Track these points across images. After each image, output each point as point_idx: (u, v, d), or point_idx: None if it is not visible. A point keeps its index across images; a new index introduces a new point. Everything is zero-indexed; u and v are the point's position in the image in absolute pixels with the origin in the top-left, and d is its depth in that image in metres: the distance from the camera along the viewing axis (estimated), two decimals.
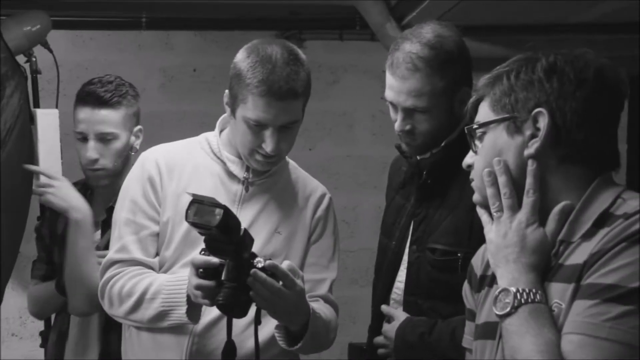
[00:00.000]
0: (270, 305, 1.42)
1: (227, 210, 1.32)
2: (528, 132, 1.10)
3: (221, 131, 1.70)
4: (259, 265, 1.38)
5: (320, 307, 1.62)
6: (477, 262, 1.27)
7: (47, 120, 2.36)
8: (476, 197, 1.19)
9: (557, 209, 1.09)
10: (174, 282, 1.53)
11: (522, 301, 1.04)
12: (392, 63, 1.60)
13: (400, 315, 1.68)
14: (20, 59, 2.54)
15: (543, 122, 1.08)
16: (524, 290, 1.05)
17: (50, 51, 2.77)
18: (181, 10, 3.23)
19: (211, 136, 1.69)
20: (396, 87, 1.60)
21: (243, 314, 1.42)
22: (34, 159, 2.35)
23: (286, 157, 1.70)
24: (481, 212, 1.17)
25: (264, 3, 3.20)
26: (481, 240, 1.23)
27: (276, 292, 1.40)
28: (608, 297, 0.97)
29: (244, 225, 1.43)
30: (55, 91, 2.64)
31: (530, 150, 1.10)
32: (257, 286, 1.37)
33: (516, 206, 1.11)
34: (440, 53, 1.57)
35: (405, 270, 1.72)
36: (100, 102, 1.97)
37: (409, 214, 1.73)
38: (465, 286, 1.29)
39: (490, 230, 1.14)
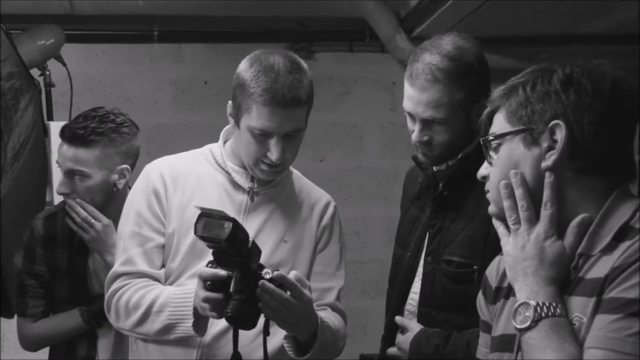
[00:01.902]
0: (278, 316, 1.42)
1: (235, 223, 1.32)
2: (545, 144, 1.09)
3: (225, 142, 1.70)
4: (267, 277, 1.38)
5: (328, 316, 1.62)
6: (491, 273, 1.25)
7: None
8: (492, 209, 1.18)
9: (575, 221, 1.08)
10: (181, 295, 1.52)
11: (543, 315, 1.02)
12: (411, 74, 1.60)
13: (414, 326, 1.68)
14: (35, 72, 2.58)
15: (560, 135, 1.07)
16: (544, 303, 1.03)
17: (64, 64, 2.80)
18: (192, 24, 3.27)
19: (215, 147, 1.69)
20: (415, 97, 1.59)
21: (252, 325, 1.41)
22: (47, 172, 2.38)
23: (290, 166, 1.71)
24: (497, 224, 1.16)
25: (274, 16, 3.22)
26: (495, 252, 1.22)
27: (284, 303, 1.40)
28: (631, 312, 0.96)
29: (250, 235, 1.43)
30: (69, 104, 2.67)
31: (547, 162, 1.09)
32: (266, 297, 1.37)
33: (534, 219, 1.10)
34: (459, 65, 1.57)
35: (419, 282, 1.71)
36: (73, 138, 1.89)
37: (424, 225, 1.72)
38: (480, 298, 1.28)
39: (507, 243, 1.12)
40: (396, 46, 3.31)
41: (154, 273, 1.61)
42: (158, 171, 1.65)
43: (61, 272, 2.01)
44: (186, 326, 1.49)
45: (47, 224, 2.02)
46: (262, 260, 1.43)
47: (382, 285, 1.92)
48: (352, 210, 3.62)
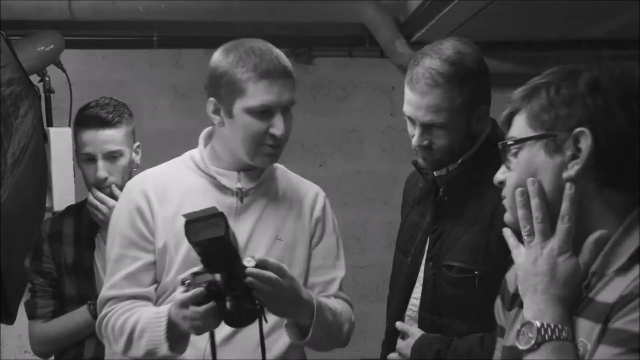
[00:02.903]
0: (273, 300, 1.39)
1: (223, 215, 1.28)
2: (568, 153, 1.01)
3: (205, 146, 1.67)
4: (252, 264, 1.35)
5: (327, 300, 1.62)
6: (511, 278, 1.19)
7: (60, 139, 2.39)
8: (507, 217, 1.12)
9: (592, 238, 1.02)
10: (154, 320, 1.49)
11: (547, 337, 0.98)
12: (411, 78, 1.60)
13: (415, 332, 1.68)
14: (34, 78, 2.58)
15: (585, 143, 1.00)
16: (549, 325, 0.99)
17: (64, 70, 2.81)
18: (192, 29, 3.27)
19: (195, 153, 1.66)
20: (415, 102, 1.60)
21: (251, 320, 1.38)
22: (47, 177, 2.38)
23: (275, 162, 1.67)
24: (508, 234, 1.10)
25: (273, 21, 3.23)
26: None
27: (275, 284, 1.38)
28: (633, 347, 0.91)
29: (245, 235, 1.44)
30: (68, 110, 2.67)
31: (569, 172, 1.01)
32: (258, 284, 1.36)
33: (549, 232, 1.03)
34: (459, 69, 1.58)
35: (420, 287, 1.71)
36: (104, 123, 2.02)
37: (425, 231, 1.72)
38: (498, 302, 1.24)
39: (520, 255, 1.07)
40: (395, 51, 3.31)
41: (141, 293, 1.59)
42: (139, 188, 1.62)
43: (68, 268, 2.06)
44: (163, 351, 1.47)
45: (53, 223, 2.12)
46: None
47: (382, 290, 1.92)
48: (351, 214, 3.61)
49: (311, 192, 1.73)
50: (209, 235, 1.27)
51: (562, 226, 1.02)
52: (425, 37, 2.96)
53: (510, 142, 1.08)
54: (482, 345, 1.55)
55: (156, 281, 1.61)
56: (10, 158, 2.33)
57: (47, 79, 2.67)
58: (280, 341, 1.57)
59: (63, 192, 2.37)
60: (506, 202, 1.11)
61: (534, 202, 1.04)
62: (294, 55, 3.43)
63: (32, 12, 2.91)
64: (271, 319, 1.47)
